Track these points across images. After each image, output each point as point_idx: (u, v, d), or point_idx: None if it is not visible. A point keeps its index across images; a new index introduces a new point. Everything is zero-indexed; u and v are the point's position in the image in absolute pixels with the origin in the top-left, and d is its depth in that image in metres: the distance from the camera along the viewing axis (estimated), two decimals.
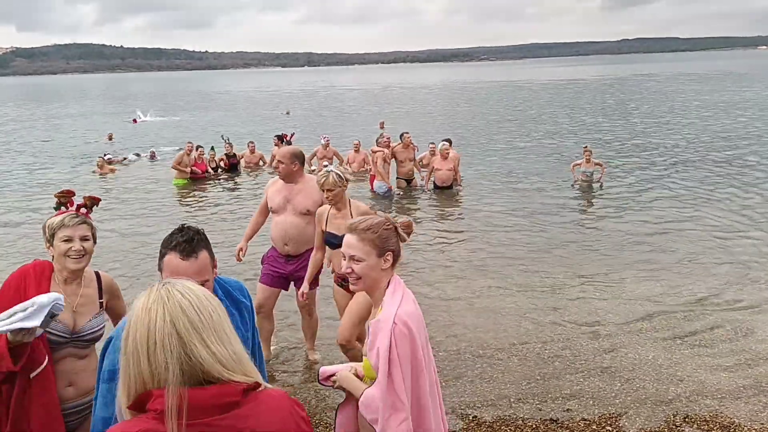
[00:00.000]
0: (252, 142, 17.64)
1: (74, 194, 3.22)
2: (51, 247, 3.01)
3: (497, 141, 21.01)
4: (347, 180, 4.86)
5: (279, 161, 5.41)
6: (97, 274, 3.21)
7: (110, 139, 24.80)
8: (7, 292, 2.93)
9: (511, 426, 4.52)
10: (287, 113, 35.85)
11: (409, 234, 2.70)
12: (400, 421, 2.41)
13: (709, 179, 13.49)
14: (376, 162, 12.74)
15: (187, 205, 13.10)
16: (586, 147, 12.65)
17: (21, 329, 2.53)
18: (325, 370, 2.78)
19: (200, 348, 1.41)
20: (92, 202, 3.20)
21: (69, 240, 2.95)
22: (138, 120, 33.16)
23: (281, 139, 16.54)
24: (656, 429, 4.42)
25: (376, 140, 13.40)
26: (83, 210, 3.13)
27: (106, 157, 17.38)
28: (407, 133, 13.66)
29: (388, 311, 2.50)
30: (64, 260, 2.97)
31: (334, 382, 2.72)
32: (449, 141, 13.80)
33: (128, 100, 61.10)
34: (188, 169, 15.28)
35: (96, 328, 3.11)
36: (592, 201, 11.97)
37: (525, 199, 12.17)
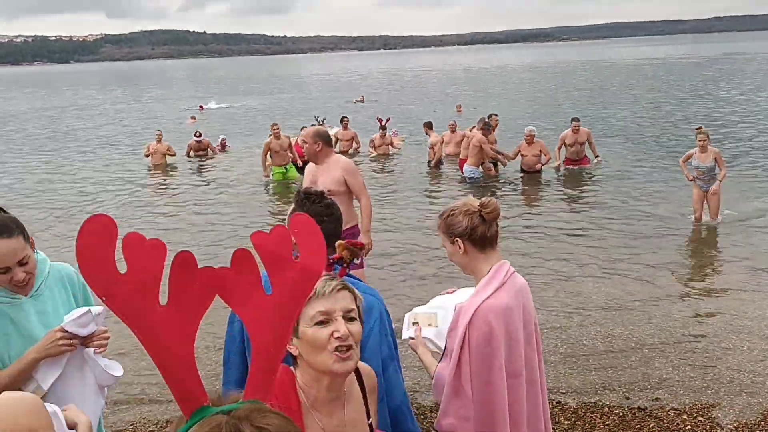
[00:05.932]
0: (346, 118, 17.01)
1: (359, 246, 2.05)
2: (294, 338, 1.65)
3: (588, 124, 20.14)
4: None
5: (303, 141, 5.40)
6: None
7: (193, 120, 25.45)
8: None
9: (597, 413, 4.44)
10: (361, 100, 32.82)
11: (490, 214, 2.48)
12: (459, 407, 2.44)
13: None
14: (470, 143, 12.35)
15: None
16: (700, 128, 8.78)
17: None
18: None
19: None
20: (352, 253, 2.01)
21: (327, 320, 1.61)
22: (204, 107, 32.72)
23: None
24: (752, 421, 4.25)
25: (480, 125, 12.67)
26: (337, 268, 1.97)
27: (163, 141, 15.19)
28: (495, 115, 13.55)
29: (474, 301, 2.47)
30: (324, 360, 1.60)
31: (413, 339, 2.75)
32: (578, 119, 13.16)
33: (208, 84, 62.75)
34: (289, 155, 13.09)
35: None
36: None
37: (617, 188, 11.52)
